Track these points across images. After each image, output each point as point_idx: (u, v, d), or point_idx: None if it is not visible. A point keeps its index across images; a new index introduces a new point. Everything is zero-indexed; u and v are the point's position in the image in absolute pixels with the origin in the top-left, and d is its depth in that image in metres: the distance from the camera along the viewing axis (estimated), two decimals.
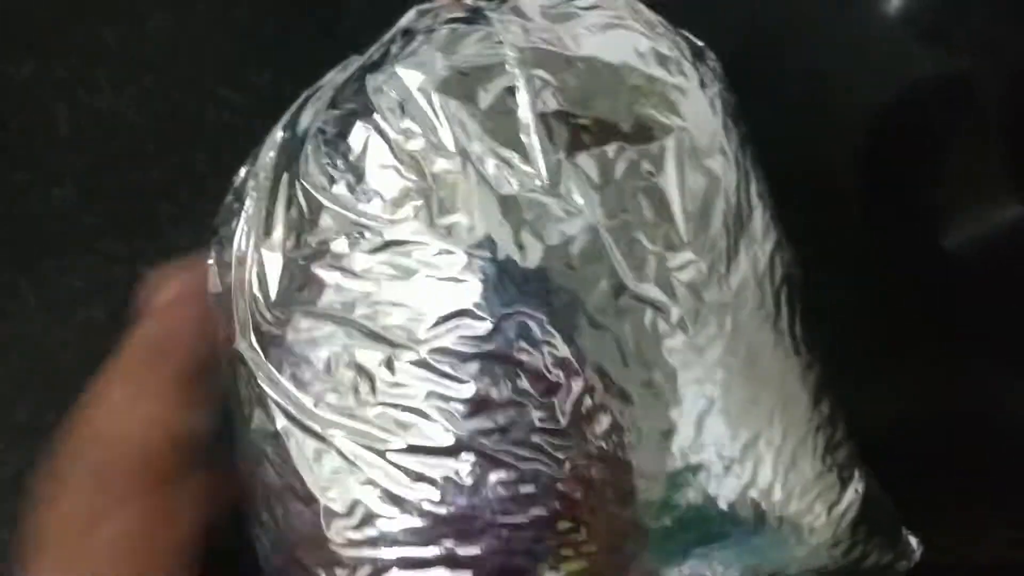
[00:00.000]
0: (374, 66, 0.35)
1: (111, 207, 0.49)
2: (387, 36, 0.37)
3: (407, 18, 0.38)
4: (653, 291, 0.32)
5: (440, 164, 0.31)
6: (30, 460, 0.45)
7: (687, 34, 0.38)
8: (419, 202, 0.31)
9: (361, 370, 0.32)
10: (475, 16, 0.35)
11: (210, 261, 0.38)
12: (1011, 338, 0.52)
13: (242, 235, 0.35)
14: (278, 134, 0.37)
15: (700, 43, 0.39)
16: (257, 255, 0.34)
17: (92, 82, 0.50)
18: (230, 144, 0.40)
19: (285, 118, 0.37)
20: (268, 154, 0.36)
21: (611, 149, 0.33)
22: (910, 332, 0.53)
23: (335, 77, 0.38)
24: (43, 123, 0.50)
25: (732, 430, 0.34)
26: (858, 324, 0.46)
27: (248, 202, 0.36)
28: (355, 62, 0.38)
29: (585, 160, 0.32)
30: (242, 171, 0.39)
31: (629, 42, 0.35)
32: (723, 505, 0.34)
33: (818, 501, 0.36)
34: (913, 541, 0.42)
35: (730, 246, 0.34)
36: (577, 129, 0.33)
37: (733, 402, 0.34)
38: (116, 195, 0.49)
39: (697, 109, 0.35)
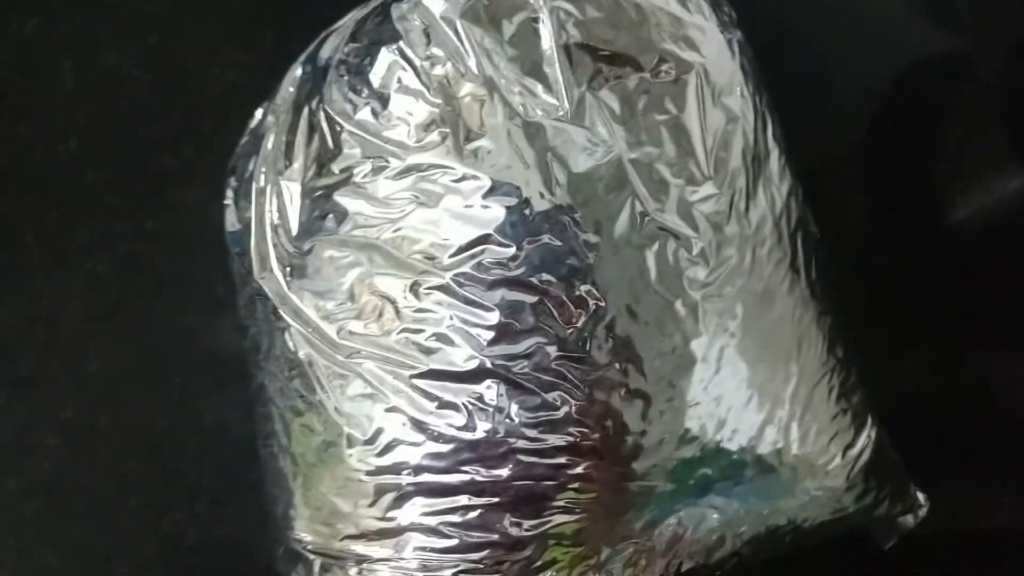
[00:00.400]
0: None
1: (115, 162, 0.48)
2: None
3: None
4: (675, 221, 0.32)
5: (466, 89, 0.31)
6: (33, 413, 0.45)
7: None
8: (444, 127, 0.31)
9: (385, 297, 0.31)
10: None
11: (227, 201, 0.38)
12: (1018, 309, 0.52)
13: (261, 169, 0.35)
14: (297, 70, 0.36)
15: None
16: (276, 187, 0.34)
17: (96, 39, 0.50)
18: (234, 102, 0.40)
19: (304, 55, 0.37)
20: (287, 89, 0.36)
21: (632, 82, 0.33)
22: (916, 306, 0.53)
23: (355, 14, 0.38)
24: (48, 79, 0.49)
25: (751, 366, 0.34)
26: (865, 299, 0.46)
27: (268, 136, 0.35)
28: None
29: (607, 93, 0.33)
30: (258, 112, 0.39)
31: None
32: (741, 441, 0.34)
33: (833, 442, 0.37)
34: (921, 496, 0.42)
35: (749, 183, 0.35)
36: (599, 62, 0.33)
37: (752, 338, 0.34)
38: (120, 151, 0.48)
39: (716, 49, 0.35)
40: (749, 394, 0.34)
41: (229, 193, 0.38)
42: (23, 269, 0.46)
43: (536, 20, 0.32)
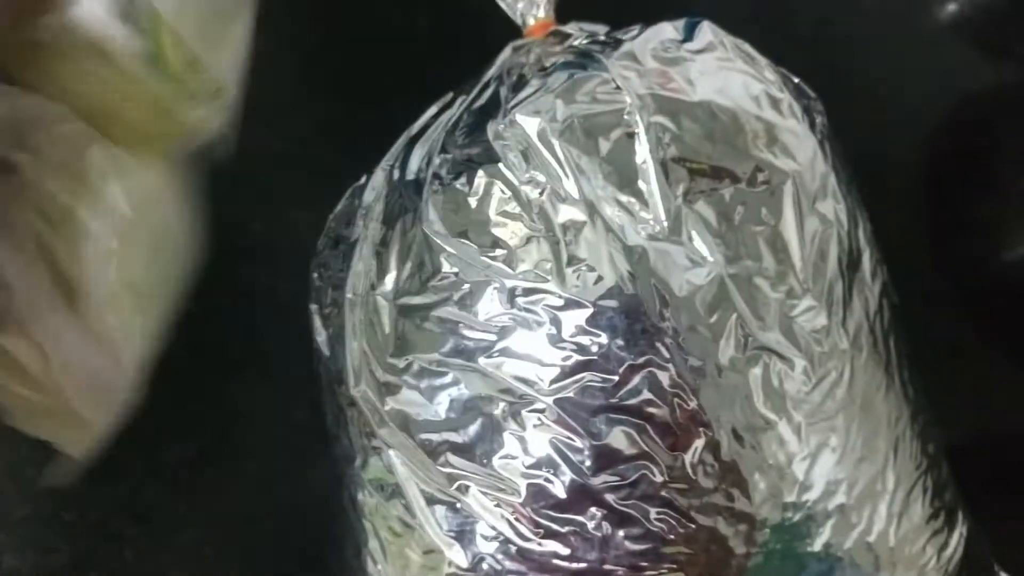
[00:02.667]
0: (485, 110, 0.35)
1: None
2: (489, 74, 0.37)
3: (503, 56, 0.38)
4: (778, 340, 0.32)
5: (565, 213, 0.31)
6: (114, 501, 0.45)
7: (786, 72, 0.38)
8: (545, 251, 0.31)
9: (485, 421, 0.31)
10: (587, 60, 0.34)
11: (312, 304, 0.38)
12: None
13: (352, 281, 0.35)
14: (383, 176, 0.36)
15: (796, 80, 0.38)
16: (371, 301, 0.34)
17: None
18: None
19: (390, 159, 0.37)
20: (375, 197, 0.36)
21: (728, 194, 0.33)
22: (966, 344, 0.53)
23: (438, 117, 0.37)
24: None
25: (851, 477, 0.34)
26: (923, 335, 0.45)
27: (360, 246, 0.35)
28: (455, 101, 0.38)
29: (703, 206, 0.32)
30: (343, 204, 0.39)
31: (742, 85, 0.34)
32: (840, 552, 0.34)
33: (929, 544, 0.36)
34: None
35: (845, 290, 0.34)
36: (696, 174, 0.32)
37: (851, 449, 0.34)
38: None
39: (809, 152, 0.35)
40: (849, 508, 0.33)
41: (313, 295, 0.38)
42: None
43: (632, 135, 0.32)
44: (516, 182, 0.31)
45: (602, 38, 0.35)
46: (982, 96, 0.57)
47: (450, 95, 0.39)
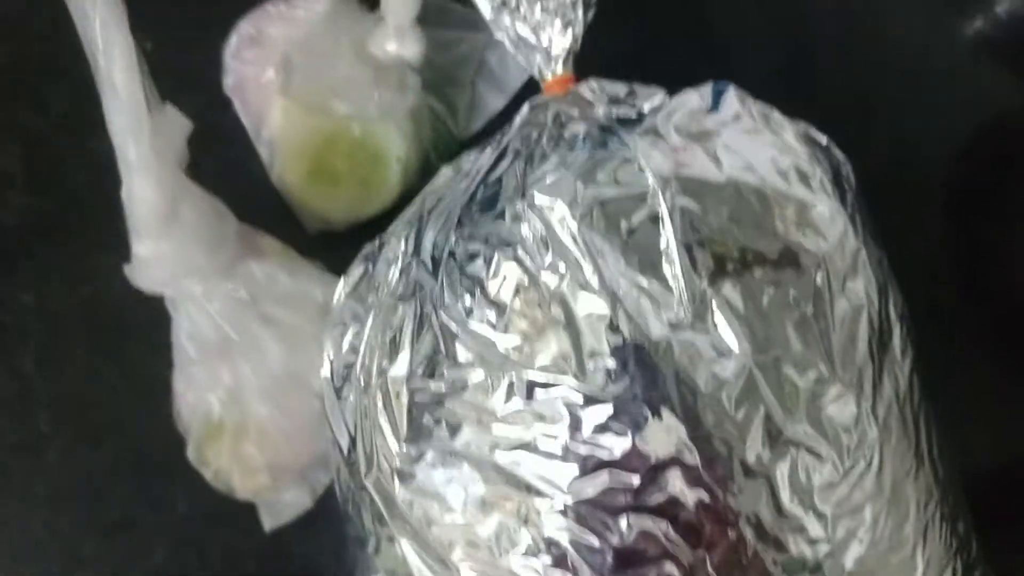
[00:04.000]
0: (503, 182, 0.34)
1: None
2: (507, 139, 0.36)
3: (521, 115, 0.37)
4: (806, 432, 0.31)
5: (587, 305, 0.30)
6: (125, 559, 0.44)
7: (813, 133, 0.37)
8: (566, 344, 0.30)
9: (502, 518, 0.30)
10: (608, 135, 0.33)
11: (324, 374, 0.37)
12: None
13: (365, 357, 0.34)
14: (399, 247, 0.35)
15: (825, 141, 0.37)
16: (383, 383, 0.33)
17: None
18: None
19: (404, 227, 0.36)
20: (389, 269, 0.35)
21: (756, 277, 0.31)
22: (991, 375, 0.51)
23: (452, 183, 0.36)
24: None
25: (880, 566, 0.33)
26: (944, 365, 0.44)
27: (370, 322, 0.34)
28: (470, 166, 0.37)
29: (730, 290, 0.31)
30: (355, 271, 0.38)
31: (770, 160, 0.33)
32: None
33: None
34: None
35: (875, 374, 0.33)
36: (722, 258, 0.31)
37: (880, 540, 0.32)
38: None
39: (840, 229, 0.33)
40: None
41: (326, 362, 0.37)
42: (109, 408, 0.45)
43: (656, 218, 0.31)
44: (534, 269, 0.30)
45: (624, 110, 0.34)
46: (1010, 116, 0.55)
47: (463, 157, 0.38)
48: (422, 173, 0.46)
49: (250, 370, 0.38)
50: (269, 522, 0.43)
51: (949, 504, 0.36)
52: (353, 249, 0.41)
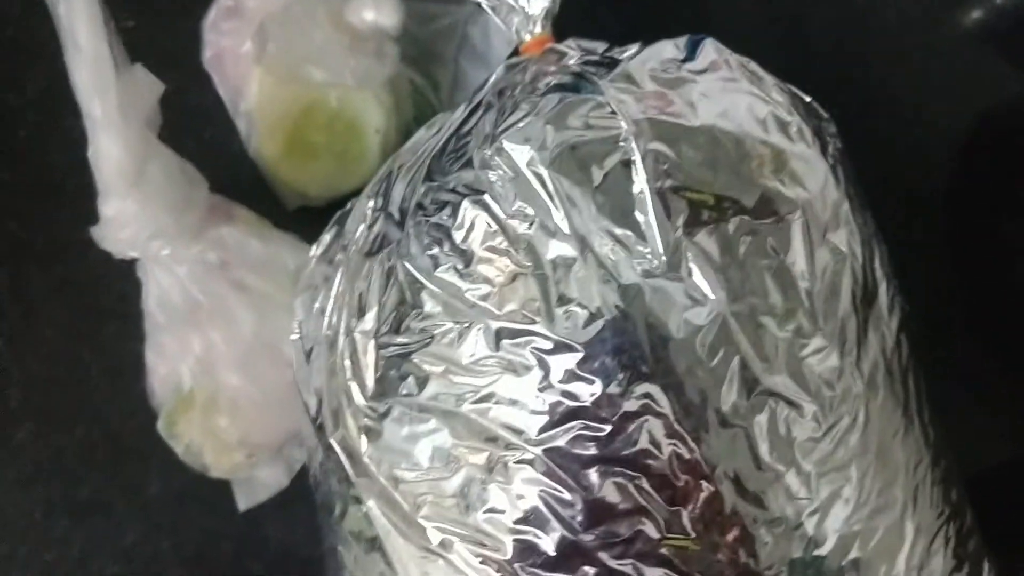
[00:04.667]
0: (473, 134, 0.33)
1: None
2: (480, 96, 0.35)
3: (497, 74, 0.36)
4: (785, 384, 0.30)
5: (556, 249, 0.29)
6: (95, 540, 0.43)
7: (796, 90, 0.36)
8: (533, 290, 0.29)
9: (469, 472, 0.29)
10: (581, 82, 0.32)
11: (294, 336, 0.36)
12: None
13: (332, 316, 0.33)
14: (368, 204, 0.34)
15: (808, 99, 0.36)
16: (350, 340, 0.32)
17: None
18: None
19: (375, 185, 0.35)
20: (358, 226, 0.34)
21: (733, 225, 0.30)
22: (994, 369, 0.50)
23: (425, 141, 0.35)
24: None
25: (866, 530, 0.31)
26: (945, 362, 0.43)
27: (339, 279, 0.33)
28: (443, 123, 0.36)
29: (705, 238, 0.30)
30: (326, 236, 0.37)
31: (747, 107, 0.32)
32: None
33: None
34: None
35: (859, 328, 0.32)
36: (697, 205, 0.30)
37: (866, 500, 0.31)
38: None
39: (821, 179, 0.32)
40: (865, 563, 0.31)
41: (295, 326, 0.36)
42: (81, 388, 0.44)
43: (628, 163, 0.30)
44: (502, 215, 0.29)
45: (598, 57, 0.33)
46: (1009, 108, 0.54)
47: (437, 117, 0.37)
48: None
49: (220, 338, 0.37)
50: (244, 501, 0.42)
51: (941, 468, 0.34)
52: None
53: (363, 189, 0.44)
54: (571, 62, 0.34)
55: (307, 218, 0.45)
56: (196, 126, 0.47)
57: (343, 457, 0.31)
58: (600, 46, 0.36)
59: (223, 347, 0.37)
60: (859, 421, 0.31)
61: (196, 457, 0.40)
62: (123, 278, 0.44)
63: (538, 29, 0.38)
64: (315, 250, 0.37)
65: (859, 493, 0.31)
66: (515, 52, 0.40)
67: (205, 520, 0.44)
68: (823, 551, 0.30)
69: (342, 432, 0.31)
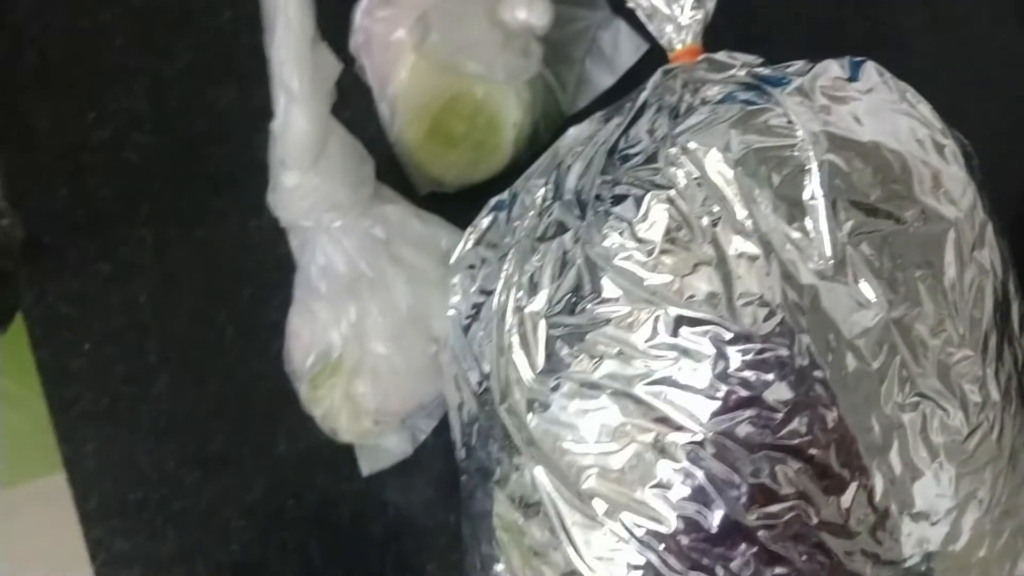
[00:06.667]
0: (649, 133, 0.35)
1: None
2: (643, 96, 0.37)
3: (655, 79, 0.38)
4: (937, 389, 0.32)
5: (739, 244, 0.31)
6: (222, 493, 0.45)
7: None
8: (716, 283, 0.31)
9: (637, 449, 0.31)
10: (758, 92, 0.34)
11: (451, 311, 0.38)
12: None
13: (502, 294, 0.35)
14: (538, 193, 0.36)
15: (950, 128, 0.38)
16: (520, 317, 0.34)
17: None
18: None
19: (539, 176, 0.37)
20: (526, 213, 0.36)
21: (892, 236, 0.32)
22: None
23: (588, 137, 0.37)
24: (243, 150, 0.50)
25: (995, 530, 0.33)
26: None
27: (509, 261, 0.35)
28: (604, 120, 0.38)
29: (867, 247, 0.32)
30: (484, 220, 0.39)
31: (908, 128, 0.34)
32: None
33: None
34: None
35: (998, 341, 0.34)
36: (862, 214, 0.32)
37: (997, 502, 0.33)
38: None
39: (970, 200, 0.34)
40: (989, 561, 0.33)
41: (454, 300, 0.38)
42: (216, 347, 0.46)
43: (803, 171, 0.32)
44: (688, 209, 0.31)
45: (766, 72, 0.35)
46: None
47: (599, 115, 0.39)
48: (530, 143, 0.47)
49: (376, 308, 0.39)
50: (367, 467, 0.44)
51: None
52: (459, 211, 0.43)
53: (491, 178, 0.46)
54: (739, 73, 0.36)
55: (437, 203, 0.47)
56: (336, 108, 0.49)
57: (510, 426, 0.33)
58: (755, 59, 0.38)
59: (378, 317, 0.39)
60: (995, 428, 0.33)
61: (331, 421, 0.42)
62: (261, 246, 0.47)
63: (688, 39, 0.40)
64: (471, 232, 0.39)
65: (991, 495, 0.33)
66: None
67: (327, 482, 0.46)
68: (956, 546, 0.32)
69: (509, 402, 0.33)
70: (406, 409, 0.42)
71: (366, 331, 0.39)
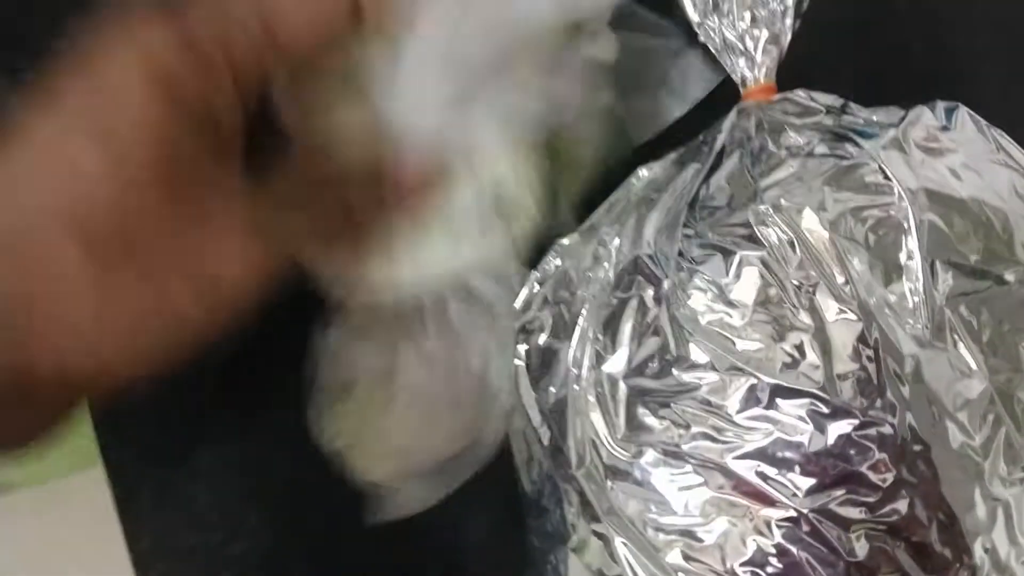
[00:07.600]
0: (730, 183, 0.33)
1: None
2: (720, 140, 0.35)
3: (731, 120, 0.37)
4: None
5: (836, 311, 0.29)
6: None
7: None
8: (814, 352, 0.29)
9: (729, 524, 0.30)
10: (848, 143, 0.32)
11: (518, 363, 0.37)
12: None
13: (576, 351, 0.34)
14: (612, 243, 0.35)
15: None
16: (598, 376, 0.33)
17: None
18: None
19: (610, 223, 0.36)
20: (601, 267, 0.35)
21: (992, 299, 0.31)
22: None
23: (669, 179, 0.36)
24: None
25: None
26: None
27: (583, 316, 0.34)
28: (679, 164, 0.36)
29: (966, 311, 0.30)
30: (554, 262, 0.37)
31: (1008, 181, 0.33)
32: None
33: None
34: None
35: None
36: (960, 275, 0.31)
37: None
38: None
39: None
40: None
41: (520, 350, 0.37)
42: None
43: (901, 231, 0.30)
44: (781, 272, 0.30)
45: (856, 120, 0.34)
46: None
47: (672, 156, 0.37)
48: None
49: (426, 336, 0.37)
50: (376, 514, 0.40)
51: None
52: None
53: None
54: (826, 120, 0.34)
55: None
56: None
57: (588, 492, 0.32)
58: (835, 100, 0.36)
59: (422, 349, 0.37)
60: None
61: (354, 458, 0.39)
62: None
63: (762, 77, 0.39)
64: (537, 276, 0.37)
65: None
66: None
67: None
68: None
69: (587, 467, 0.32)
70: (442, 453, 0.40)
71: (409, 362, 0.37)
